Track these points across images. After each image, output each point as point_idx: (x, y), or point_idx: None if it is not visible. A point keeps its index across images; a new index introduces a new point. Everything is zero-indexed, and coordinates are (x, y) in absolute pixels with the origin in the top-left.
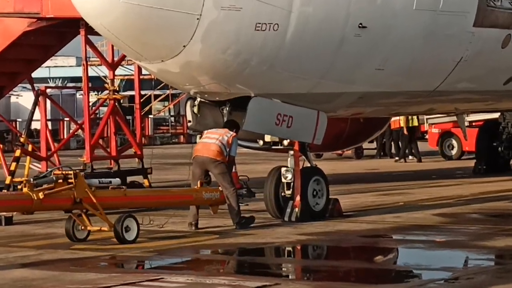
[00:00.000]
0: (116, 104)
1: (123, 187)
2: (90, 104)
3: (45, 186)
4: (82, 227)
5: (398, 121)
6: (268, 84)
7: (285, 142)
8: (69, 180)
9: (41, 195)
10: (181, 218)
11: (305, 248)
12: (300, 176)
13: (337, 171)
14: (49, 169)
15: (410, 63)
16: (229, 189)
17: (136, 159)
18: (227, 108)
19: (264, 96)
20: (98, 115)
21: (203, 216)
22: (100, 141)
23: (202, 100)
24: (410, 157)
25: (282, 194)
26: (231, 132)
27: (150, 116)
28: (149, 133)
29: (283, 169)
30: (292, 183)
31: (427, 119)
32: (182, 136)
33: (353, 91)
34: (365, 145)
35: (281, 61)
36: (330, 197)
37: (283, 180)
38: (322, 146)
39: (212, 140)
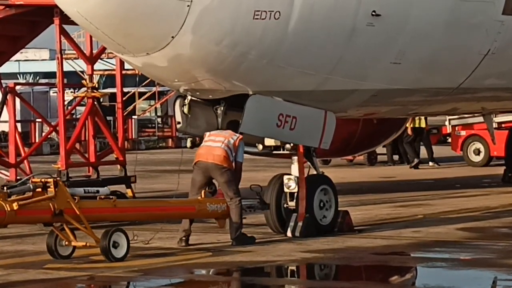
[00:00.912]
0: (95, 103)
1: (113, 197)
2: (66, 103)
3: (19, 196)
4: (66, 243)
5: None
6: (269, 80)
7: (288, 147)
8: (49, 189)
9: (15, 206)
10: (170, 233)
11: (311, 268)
12: (305, 185)
13: (347, 179)
14: (25, 177)
15: (431, 56)
16: (234, 199)
17: (118, 166)
18: (222, 108)
19: (264, 94)
20: (74, 116)
21: (195, 231)
22: (77, 146)
23: (193, 98)
24: (430, 163)
25: (285, 205)
26: (237, 135)
27: (133, 117)
28: (133, 136)
29: (285, 178)
30: (296, 193)
31: (449, 120)
32: (170, 140)
33: (365, 88)
34: (379, 150)
35: (283, 54)
36: (339, 209)
37: (285, 189)
38: (330, 151)
39: (217, 143)
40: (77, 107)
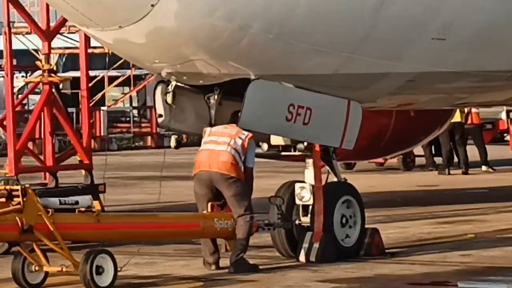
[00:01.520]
0: (54, 90)
1: (96, 210)
2: (15, 90)
3: None
4: (37, 267)
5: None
6: (276, 61)
7: (301, 146)
8: (16, 199)
9: None
10: (149, 257)
11: None
12: (323, 196)
13: (376, 188)
14: None
15: (483, 31)
16: (244, 216)
17: (83, 171)
18: (216, 97)
19: (270, 79)
20: (26, 107)
21: (181, 255)
22: (30, 145)
23: (179, 84)
24: (484, 167)
25: (297, 222)
26: (245, 132)
27: (102, 108)
28: (102, 133)
29: (297, 186)
30: (311, 207)
31: (508, 112)
32: (149, 138)
33: (400, 72)
34: (418, 150)
35: (295, 27)
36: (366, 226)
37: (297, 201)
38: (355, 152)
39: (221, 146)
40: (30, 96)
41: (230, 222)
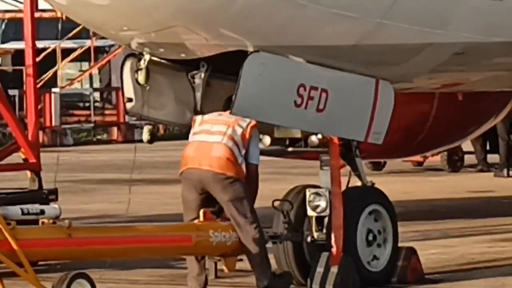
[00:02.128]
0: None
1: (67, 220)
2: None
3: None
4: None
5: None
6: (282, 27)
7: (314, 140)
8: None
9: None
10: (114, 285)
11: None
12: (344, 205)
13: (414, 195)
14: None
15: None
16: (250, 227)
17: (28, 173)
18: (203, 75)
19: (273, 52)
20: None
21: (158, 282)
22: None
23: (154, 59)
24: None
25: (309, 239)
26: (247, 120)
27: (54, 90)
28: (53, 123)
29: (310, 193)
30: (327, 219)
31: None
32: (115, 129)
33: (443, 42)
34: (467, 146)
35: None
36: (399, 245)
37: (309, 212)
38: (385, 148)
39: (215, 136)
40: None
41: (228, 235)
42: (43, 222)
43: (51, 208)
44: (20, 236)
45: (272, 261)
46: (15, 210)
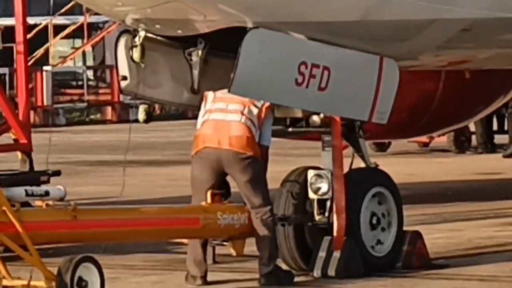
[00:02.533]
0: None
1: (71, 202)
2: None
3: None
4: None
5: None
6: (282, 3)
7: (316, 120)
8: None
9: None
10: (110, 271)
11: None
12: (346, 187)
13: (419, 177)
14: None
15: None
16: (264, 208)
17: (19, 154)
18: (200, 52)
19: (273, 28)
20: None
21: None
22: None
23: (150, 35)
24: None
25: (311, 222)
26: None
27: (46, 68)
28: (45, 103)
29: (311, 174)
30: (329, 201)
31: None
32: (109, 109)
33: (450, 18)
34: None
35: None
36: (405, 229)
37: (311, 195)
38: (390, 128)
39: (233, 115)
40: None
41: (236, 217)
42: (47, 204)
43: (55, 190)
44: (25, 219)
45: None
46: (19, 192)
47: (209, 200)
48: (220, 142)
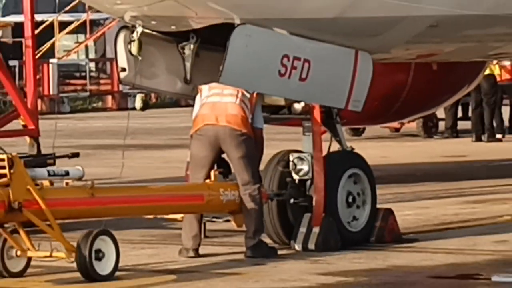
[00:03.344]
0: None
1: (90, 182)
2: None
3: None
4: (19, 252)
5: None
6: (267, 1)
7: (297, 107)
8: (1, 171)
9: None
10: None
11: None
12: (325, 169)
13: (391, 159)
14: None
15: None
16: (253, 185)
17: (27, 139)
18: (192, 46)
19: (258, 24)
20: None
21: (149, 242)
22: None
23: (147, 31)
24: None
25: (292, 201)
26: None
27: (52, 60)
28: (51, 92)
29: (293, 157)
30: (309, 182)
31: None
32: (110, 98)
33: (419, 15)
34: (442, 113)
35: None
36: (378, 207)
37: (293, 175)
38: (364, 115)
39: (228, 98)
40: None
41: (237, 193)
42: (67, 183)
43: (75, 170)
44: (47, 196)
45: None
46: (42, 172)
47: (212, 177)
48: (217, 120)
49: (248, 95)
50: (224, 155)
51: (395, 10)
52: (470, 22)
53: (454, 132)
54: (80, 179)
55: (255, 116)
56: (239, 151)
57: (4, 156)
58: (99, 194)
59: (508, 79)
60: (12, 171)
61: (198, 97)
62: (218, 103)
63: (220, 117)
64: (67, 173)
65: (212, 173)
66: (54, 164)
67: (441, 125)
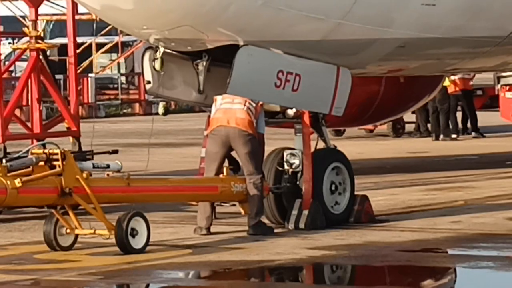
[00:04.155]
0: (41, 57)
1: (126, 173)
2: (2, 57)
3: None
4: (68, 230)
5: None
6: (265, 26)
7: (290, 113)
8: (54, 163)
9: (18, 182)
10: None
11: (319, 269)
12: (312, 162)
13: (366, 155)
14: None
15: None
16: (256, 175)
17: (70, 138)
18: (204, 63)
19: (259, 45)
20: (14, 74)
21: (169, 222)
22: (17, 112)
23: (167, 51)
24: (474, 134)
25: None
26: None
27: (90, 75)
28: (89, 100)
29: (286, 153)
30: (299, 173)
31: (498, 78)
32: (137, 105)
33: (389, 37)
34: (408, 117)
35: None
36: (356, 193)
37: (286, 168)
38: (344, 119)
39: (237, 105)
40: (17, 63)
41: (245, 185)
42: (108, 175)
43: (114, 164)
44: (92, 184)
45: None
46: (88, 165)
47: (225, 173)
48: (229, 122)
49: (254, 104)
50: (234, 154)
51: (369, 33)
52: (431, 43)
53: (427, 132)
54: (118, 171)
55: (258, 123)
56: (246, 148)
57: (58, 151)
58: (134, 183)
59: (460, 90)
60: (64, 163)
61: (213, 105)
62: (229, 109)
63: (230, 120)
64: (108, 166)
65: (224, 169)
66: (92, 159)
67: (408, 127)
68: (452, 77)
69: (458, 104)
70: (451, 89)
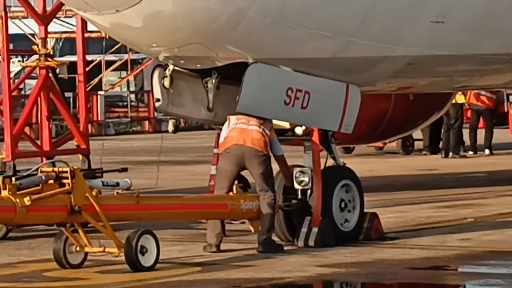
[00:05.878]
0: (50, 75)
1: (136, 191)
2: (12, 75)
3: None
4: (78, 248)
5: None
6: (274, 44)
7: (299, 130)
8: (64, 181)
9: (27, 201)
10: None
11: (329, 287)
12: (322, 180)
13: (375, 172)
14: (35, 166)
15: (483, 14)
16: (269, 193)
17: (80, 156)
18: (213, 81)
19: (268, 63)
20: (23, 92)
21: (179, 240)
22: (27, 130)
23: (177, 68)
24: (487, 151)
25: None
26: (266, 122)
27: (100, 92)
28: (99, 118)
29: (296, 170)
30: (309, 191)
31: (508, 95)
32: (147, 122)
33: (398, 55)
34: (417, 134)
35: (293, 10)
36: (365, 211)
37: (296, 186)
38: (354, 136)
39: (253, 126)
40: (27, 81)
41: (254, 204)
42: (117, 192)
43: (124, 182)
44: (102, 202)
45: None
46: (97, 182)
47: (235, 191)
48: (245, 142)
49: (268, 127)
50: (243, 173)
51: (378, 51)
52: (440, 61)
53: (428, 150)
54: (128, 189)
55: (274, 146)
56: (261, 168)
57: (67, 169)
58: (143, 201)
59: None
60: (73, 181)
61: (226, 124)
62: (245, 129)
63: (247, 139)
64: (117, 184)
65: (234, 187)
66: (101, 177)
67: (417, 144)
68: (479, 93)
69: (478, 121)
70: (476, 105)
